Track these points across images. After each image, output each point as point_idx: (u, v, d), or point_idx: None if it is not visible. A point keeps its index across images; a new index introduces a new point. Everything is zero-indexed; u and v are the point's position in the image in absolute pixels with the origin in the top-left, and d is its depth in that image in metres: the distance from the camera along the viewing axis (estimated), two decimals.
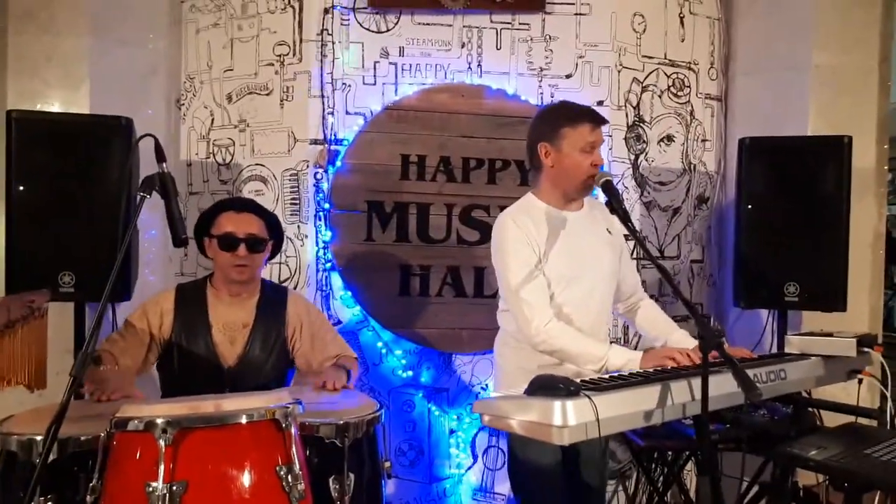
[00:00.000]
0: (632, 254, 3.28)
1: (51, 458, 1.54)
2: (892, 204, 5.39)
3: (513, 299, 2.14)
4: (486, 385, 3.21)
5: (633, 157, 3.33)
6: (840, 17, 3.27)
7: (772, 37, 3.36)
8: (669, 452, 2.95)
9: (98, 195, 2.55)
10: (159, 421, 1.50)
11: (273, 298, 2.42)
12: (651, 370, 1.98)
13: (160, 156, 1.78)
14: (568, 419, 1.57)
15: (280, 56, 3.14)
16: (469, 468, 3.22)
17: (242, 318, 2.34)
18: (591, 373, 2.12)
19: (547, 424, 1.59)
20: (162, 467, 1.48)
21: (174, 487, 1.48)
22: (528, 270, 2.12)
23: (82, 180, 2.55)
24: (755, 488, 2.62)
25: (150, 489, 1.47)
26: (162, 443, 1.48)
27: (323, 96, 3.10)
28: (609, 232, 2.33)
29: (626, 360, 2.06)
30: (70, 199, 2.54)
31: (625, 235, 3.23)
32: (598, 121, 2.20)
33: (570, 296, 2.19)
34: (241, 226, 2.31)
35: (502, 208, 3.10)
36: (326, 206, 3.08)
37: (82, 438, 1.69)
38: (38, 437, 1.64)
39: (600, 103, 3.24)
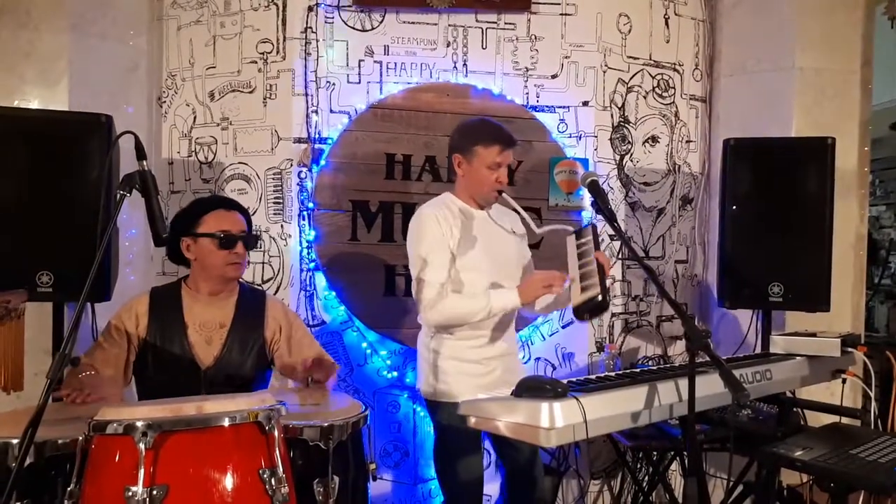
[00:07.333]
0: (617, 254, 3.31)
1: (27, 461, 1.51)
2: (874, 205, 5.45)
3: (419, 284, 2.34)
4: None
5: (618, 157, 3.34)
6: (823, 19, 3.29)
7: (756, 39, 3.38)
8: (655, 452, 2.96)
9: (77, 194, 2.49)
10: (139, 424, 1.46)
11: (251, 300, 2.39)
12: (629, 373, 2.00)
13: (140, 153, 1.75)
14: (555, 421, 1.57)
15: (263, 54, 3.11)
16: None
17: (219, 317, 2.31)
18: (483, 327, 2.35)
19: (534, 426, 1.58)
20: (142, 471, 1.44)
21: (154, 492, 1.44)
22: (439, 260, 2.32)
23: (60, 178, 2.49)
24: (740, 488, 2.63)
25: (130, 493, 1.43)
26: (142, 446, 1.44)
27: (307, 94, 3.07)
28: (514, 232, 2.55)
29: (506, 298, 2.28)
30: (48, 197, 2.48)
31: (610, 235, 3.27)
32: (509, 143, 2.39)
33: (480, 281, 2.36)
34: (235, 224, 2.31)
35: None
36: (310, 205, 3.06)
37: (60, 442, 1.64)
38: (14, 441, 1.60)
39: (585, 103, 3.24)
